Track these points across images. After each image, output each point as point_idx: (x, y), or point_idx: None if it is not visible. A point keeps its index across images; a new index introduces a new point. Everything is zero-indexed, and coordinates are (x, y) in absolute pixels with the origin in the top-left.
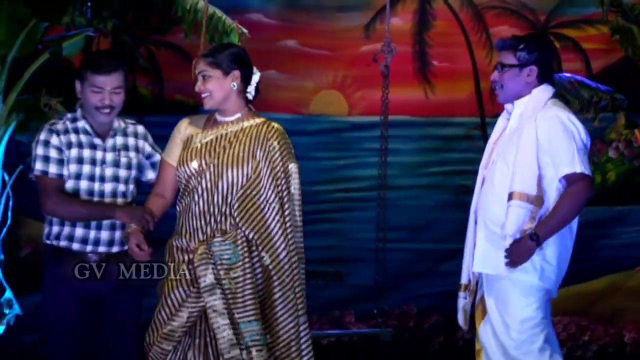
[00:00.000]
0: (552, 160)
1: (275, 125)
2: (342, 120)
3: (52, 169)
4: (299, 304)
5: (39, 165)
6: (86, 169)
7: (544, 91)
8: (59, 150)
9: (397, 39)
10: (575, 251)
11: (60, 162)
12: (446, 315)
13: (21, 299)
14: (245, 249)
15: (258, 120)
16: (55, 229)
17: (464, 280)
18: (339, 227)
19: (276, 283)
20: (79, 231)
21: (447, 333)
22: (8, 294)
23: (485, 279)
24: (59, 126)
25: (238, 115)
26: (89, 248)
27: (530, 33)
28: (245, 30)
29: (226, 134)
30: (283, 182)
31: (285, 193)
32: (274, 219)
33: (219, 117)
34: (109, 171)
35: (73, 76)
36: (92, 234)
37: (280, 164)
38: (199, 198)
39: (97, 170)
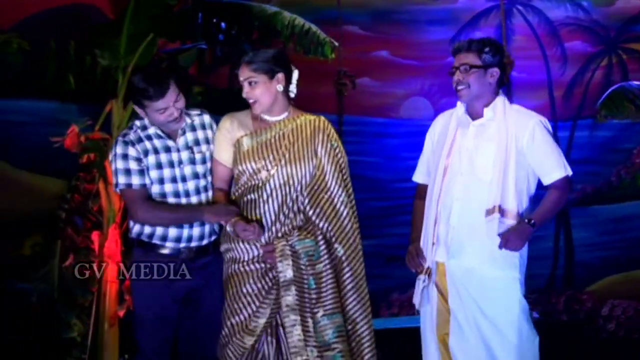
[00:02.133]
0: (540, 167)
1: (327, 120)
2: (428, 124)
3: (135, 180)
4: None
5: (122, 179)
6: (167, 172)
7: (503, 94)
8: (138, 160)
9: None
10: (635, 240)
11: (141, 173)
12: None
13: None
14: (324, 243)
15: (309, 116)
16: (148, 228)
17: (427, 264)
18: None
19: (348, 273)
20: (173, 231)
21: None
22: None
23: (462, 271)
24: (132, 136)
25: (286, 113)
26: (182, 245)
27: (486, 37)
28: (336, 43)
29: (283, 133)
30: (347, 175)
31: (350, 185)
32: (344, 210)
33: (266, 117)
34: (187, 170)
35: (188, 84)
36: (185, 232)
37: (342, 158)
38: (268, 196)
39: (177, 171)
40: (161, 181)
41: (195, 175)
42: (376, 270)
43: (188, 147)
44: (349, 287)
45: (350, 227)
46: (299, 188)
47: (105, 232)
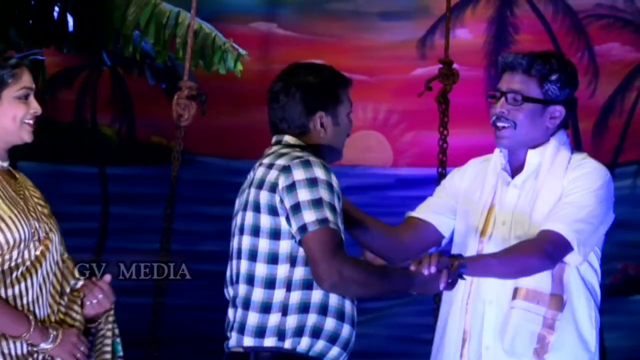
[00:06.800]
0: (559, 208)
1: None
2: (384, 172)
3: (341, 225)
4: None
5: (330, 215)
6: None
7: (563, 138)
8: (339, 198)
9: (464, 59)
10: None
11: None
12: None
13: None
14: None
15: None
16: (314, 316)
17: None
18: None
19: None
20: (347, 329)
21: None
22: None
23: None
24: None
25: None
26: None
27: (551, 54)
28: (243, 52)
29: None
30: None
31: None
32: None
33: None
34: None
35: None
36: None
37: None
38: (41, 278)
39: None
40: None
41: None
42: None
43: None
44: None
45: None
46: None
47: None
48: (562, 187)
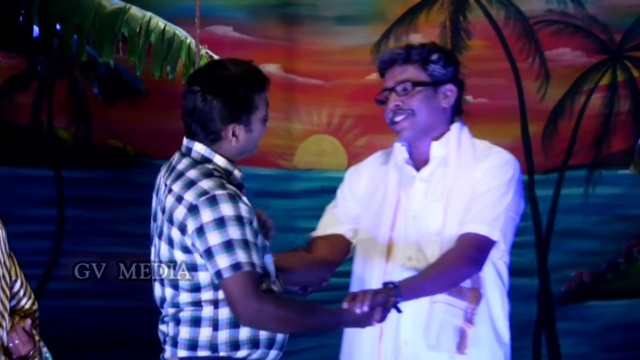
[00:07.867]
0: (467, 210)
1: None
2: (338, 176)
3: (256, 259)
4: None
5: (243, 256)
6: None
7: (461, 125)
8: (255, 231)
9: None
10: None
11: (258, 248)
12: None
13: None
14: None
15: None
16: (246, 331)
17: None
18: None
19: None
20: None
21: None
22: None
23: None
24: (230, 186)
25: None
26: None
27: (430, 42)
28: (217, 58)
29: None
30: None
31: None
32: None
33: None
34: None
35: None
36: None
37: None
38: None
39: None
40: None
41: None
42: None
43: None
44: None
45: None
46: None
47: None
48: (474, 178)
